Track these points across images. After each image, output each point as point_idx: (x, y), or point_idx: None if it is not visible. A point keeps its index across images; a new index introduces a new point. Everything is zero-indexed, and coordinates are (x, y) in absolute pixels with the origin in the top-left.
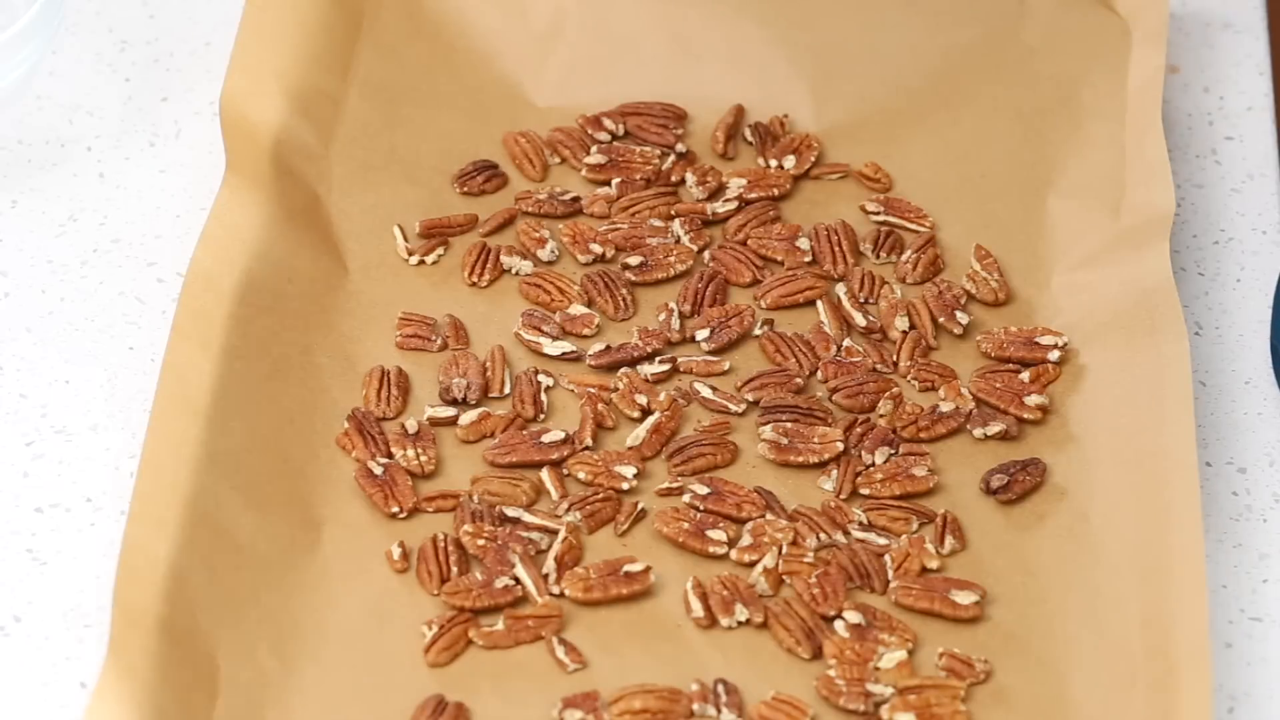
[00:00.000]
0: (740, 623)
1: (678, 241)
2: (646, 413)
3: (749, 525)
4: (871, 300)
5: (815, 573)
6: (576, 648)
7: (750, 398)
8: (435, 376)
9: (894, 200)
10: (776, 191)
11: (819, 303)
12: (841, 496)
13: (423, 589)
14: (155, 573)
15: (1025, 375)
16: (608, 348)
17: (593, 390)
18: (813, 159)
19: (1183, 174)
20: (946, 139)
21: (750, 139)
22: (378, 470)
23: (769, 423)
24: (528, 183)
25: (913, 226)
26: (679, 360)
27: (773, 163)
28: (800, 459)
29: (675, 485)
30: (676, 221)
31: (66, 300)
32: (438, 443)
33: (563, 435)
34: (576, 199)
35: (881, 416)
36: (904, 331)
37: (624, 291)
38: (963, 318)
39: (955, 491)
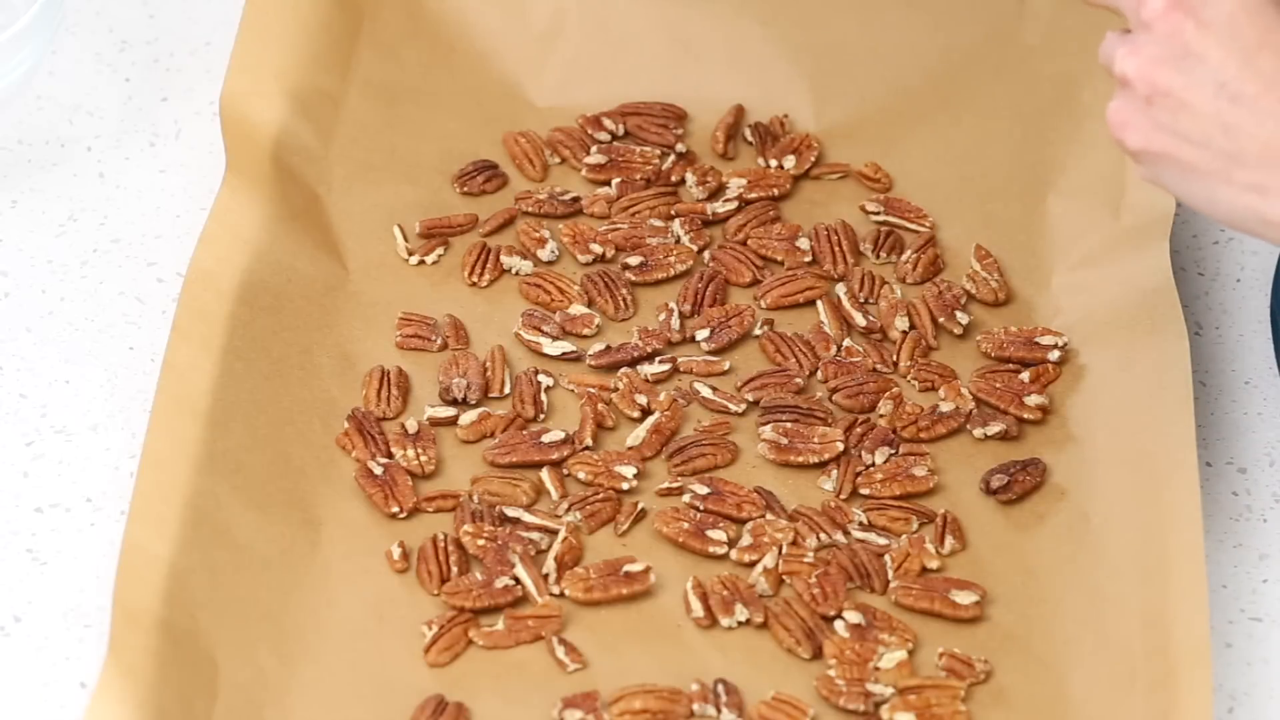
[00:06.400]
0: (740, 623)
1: (678, 241)
2: (646, 413)
3: (749, 525)
4: (871, 300)
5: (815, 573)
6: (576, 648)
7: (750, 398)
8: (435, 376)
9: (894, 200)
10: (776, 191)
11: (819, 303)
12: (841, 496)
13: (423, 589)
14: (155, 573)
15: (1025, 375)
16: (608, 348)
17: (593, 390)
18: (813, 159)
19: None
20: (946, 139)
21: (750, 139)
22: (378, 470)
23: (769, 423)
24: (528, 183)
25: (913, 226)
26: (679, 360)
27: (773, 163)
28: (800, 459)
29: (675, 485)
30: (676, 221)
31: (66, 300)
32: (438, 443)
33: (563, 435)
34: (576, 199)
35: (881, 416)
36: (904, 331)
37: (624, 291)
38: (963, 318)
39: (955, 491)
